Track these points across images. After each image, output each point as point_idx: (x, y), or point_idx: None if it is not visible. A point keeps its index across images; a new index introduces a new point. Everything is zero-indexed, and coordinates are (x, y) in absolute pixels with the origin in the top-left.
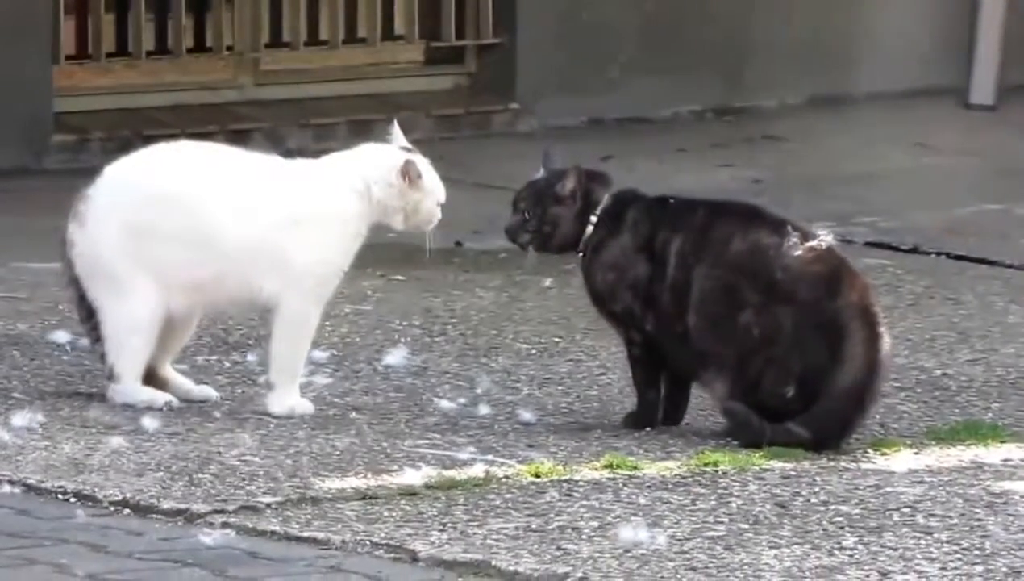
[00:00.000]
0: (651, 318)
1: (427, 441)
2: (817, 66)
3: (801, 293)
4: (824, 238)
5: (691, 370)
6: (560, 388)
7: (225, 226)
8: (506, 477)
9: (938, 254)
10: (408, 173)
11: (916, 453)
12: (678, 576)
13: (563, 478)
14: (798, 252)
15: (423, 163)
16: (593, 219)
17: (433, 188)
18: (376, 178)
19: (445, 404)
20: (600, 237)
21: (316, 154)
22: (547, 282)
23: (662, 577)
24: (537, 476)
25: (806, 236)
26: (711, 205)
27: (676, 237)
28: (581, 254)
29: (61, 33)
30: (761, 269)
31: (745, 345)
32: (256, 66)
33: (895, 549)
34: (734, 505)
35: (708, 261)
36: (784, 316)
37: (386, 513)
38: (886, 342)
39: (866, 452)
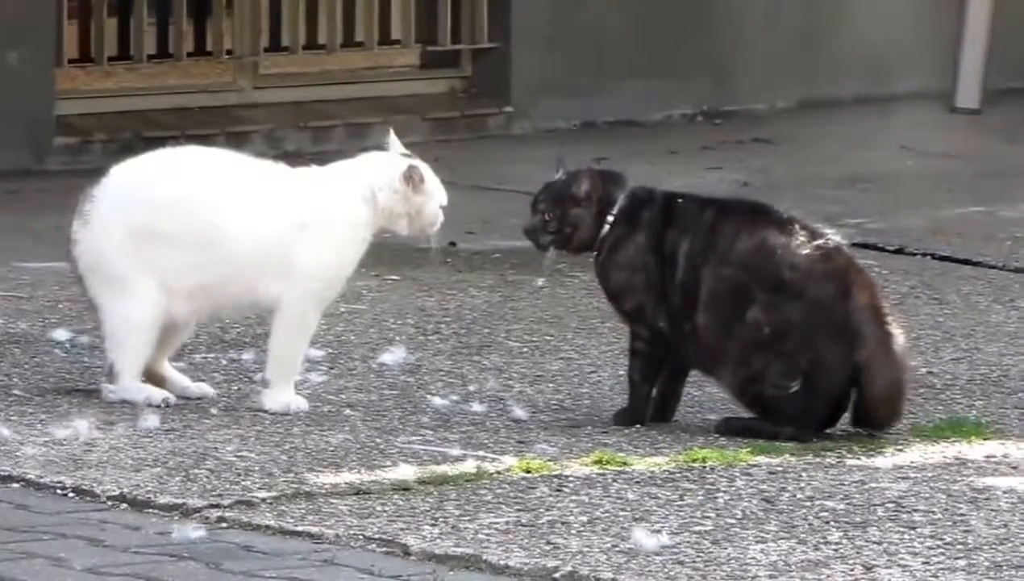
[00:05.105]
0: (663, 316)
1: (420, 437)
2: (806, 71)
3: (811, 290)
4: (832, 237)
5: (700, 365)
6: (551, 386)
7: (231, 231)
8: (497, 473)
9: (923, 255)
10: (412, 178)
11: (900, 450)
12: (666, 570)
13: (553, 474)
14: (806, 250)
15: (425, 168)
16: (610, 219)
17: (435, 191)
18: (381, 185)
19: (438, 401)
20: (616, 237)
21: (315, 157)
22: (539, 282)
23: (650, 571)
24: (528, 472)
25: (814, 234)
26: (720, 204)
27: (685, 237)
28: (596, 253)
29: (64, 37)
30: (769, 267)
31: (754, 341)
32: (255, 69)
33: (879, 544)
34: (721, 500)
35: (716, 260)
36: (794, 312)
37: (379, 508)
38: (900, 338)
39: (851, 448)
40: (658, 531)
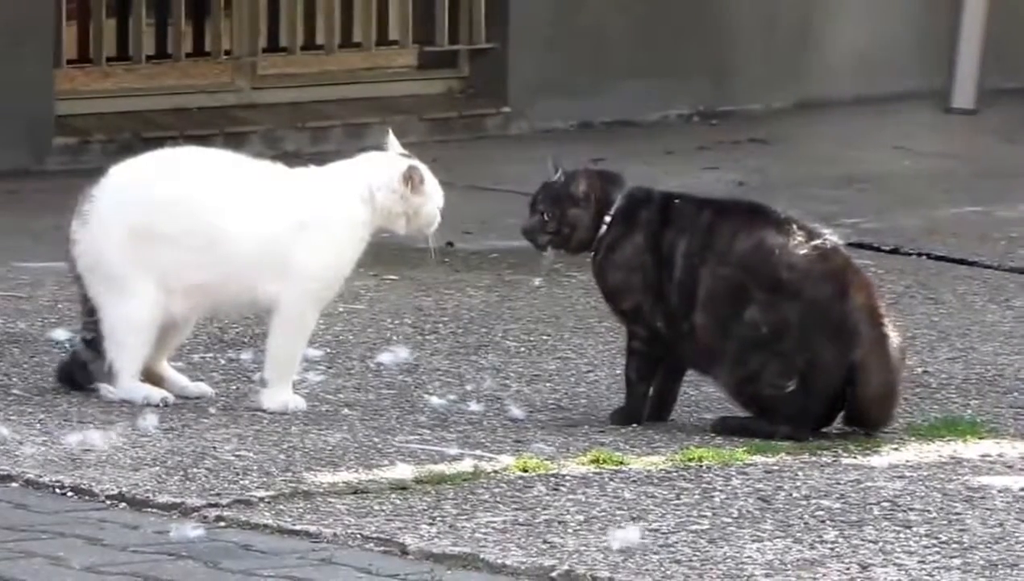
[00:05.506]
0: (660, 316)
1: (417, 437)
2: (802, 71)
3: (808, 290)
4: (829, 237)
5: (697, 365)
6: (548, 385)
7: (230, 231)
8: (494, 472)
9: (919, 255)
10: (411, 178)
11: (896, 449)
12: (663, 569)
13: (550, 473)
14: (804, 250)
15: (424, 168)
16: (607, 219)
17: (433, 192)
18: (380, 184)
19: (435, 401)
20: (613, 237)
21: (313, 157)
22: (536, 281)
23: (647, 570)
24: (525, 471)
25: (811, 234)
26: (717, 204)
27: (683, 237)
28: (593, 253)
29: (63, 37)
30: (767, 267)
31: (752, 340)
32: (254, 70)
33: (875, 543)
34: (718, 499)
35: (714, 260)
36: (791, 312)
37: (377, 507)
38: (894, 339)
39: (847, 447)
40: (629, 529)
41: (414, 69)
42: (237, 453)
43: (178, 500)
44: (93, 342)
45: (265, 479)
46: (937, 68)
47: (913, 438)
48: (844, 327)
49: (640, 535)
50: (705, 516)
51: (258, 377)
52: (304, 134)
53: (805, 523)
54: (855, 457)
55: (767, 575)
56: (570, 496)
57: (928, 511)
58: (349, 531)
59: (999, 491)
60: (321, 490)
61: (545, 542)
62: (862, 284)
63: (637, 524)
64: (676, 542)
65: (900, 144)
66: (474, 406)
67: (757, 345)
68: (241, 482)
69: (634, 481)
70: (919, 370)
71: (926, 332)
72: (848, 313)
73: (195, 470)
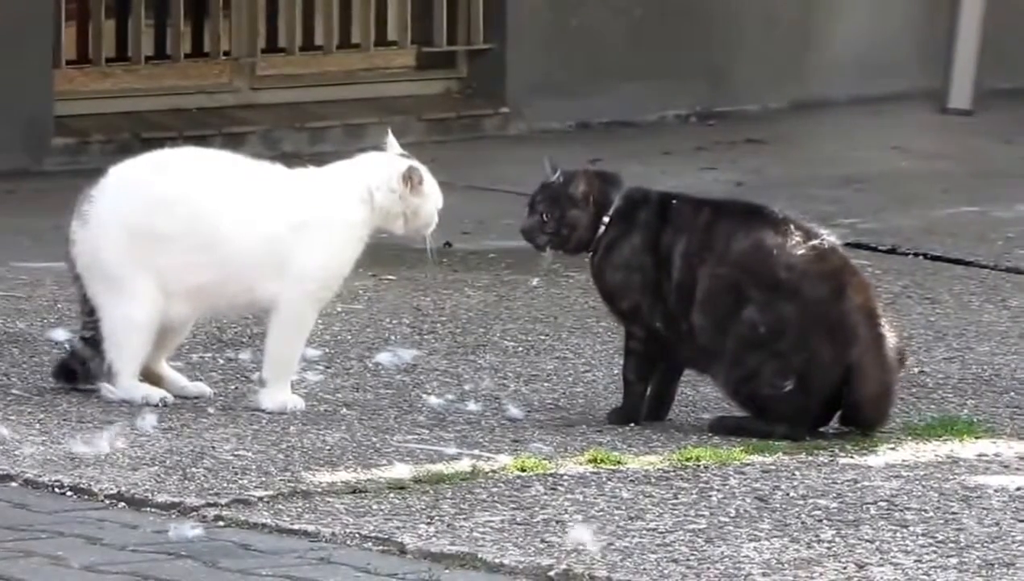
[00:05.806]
0: (658, 316)
1: (416, 436)
2: (799, 71)
3: (806, 290)
4: (827, 237)
5: (695, 364)
6: (546, 385)
7: (229, 231)
8: (492, 471)
9: (916, 255)
10: (411, 179)
11: (893, 448)
12: (660, 568)
13: (548, 472)
14: (801, 250)
15: (423, 169)
16: (605, 220)
17: (432, 193)
18: (379, 184)
19: (434, 400)
20: (611, 237)
21: (312, 158)
22: (534, 281)
23: (644, 569)
24: (523, 470)
25: (809, 234)
26: (715, 204)
27: (681, 237)
28: (592, 253)
29: (62, 38)
30: (765, 267)
31: (749, 340)
32: (252, 71)
33: (872, 542)
34: (715, 499)
35: (712, 260)
36: (789, 313)
37: (375, 506)
38: (891, 340)
39: (844, 447)
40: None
41: (412, 70)
42: (236, 453)
43: (177, 500)
44: (92, 340)
45: (264, 479)
46: (934, 69)
47: (910, 438)
48: (841, 327)
49: (592, 534)
50: (702, 515)
51: (257, 377)
52: (303, 134)
53: (802, 522)
54: (852, 457)
55: (764, 574)
56: (568, 496)
57: (925, 510)
58: (347, 530)
59: (995, 490)
60: (319, 489)
61: (543, 541)
62: (860, 284)
63: (586, 523)
64: (673, 541)
65: (897, 144)
66: (472, 406)
67: (755, 345)
68: (240, 482)
69: (632, 481)
70: (916, 370)
71: (923, 332)
72: (846, 313)
73: (194, 470)
